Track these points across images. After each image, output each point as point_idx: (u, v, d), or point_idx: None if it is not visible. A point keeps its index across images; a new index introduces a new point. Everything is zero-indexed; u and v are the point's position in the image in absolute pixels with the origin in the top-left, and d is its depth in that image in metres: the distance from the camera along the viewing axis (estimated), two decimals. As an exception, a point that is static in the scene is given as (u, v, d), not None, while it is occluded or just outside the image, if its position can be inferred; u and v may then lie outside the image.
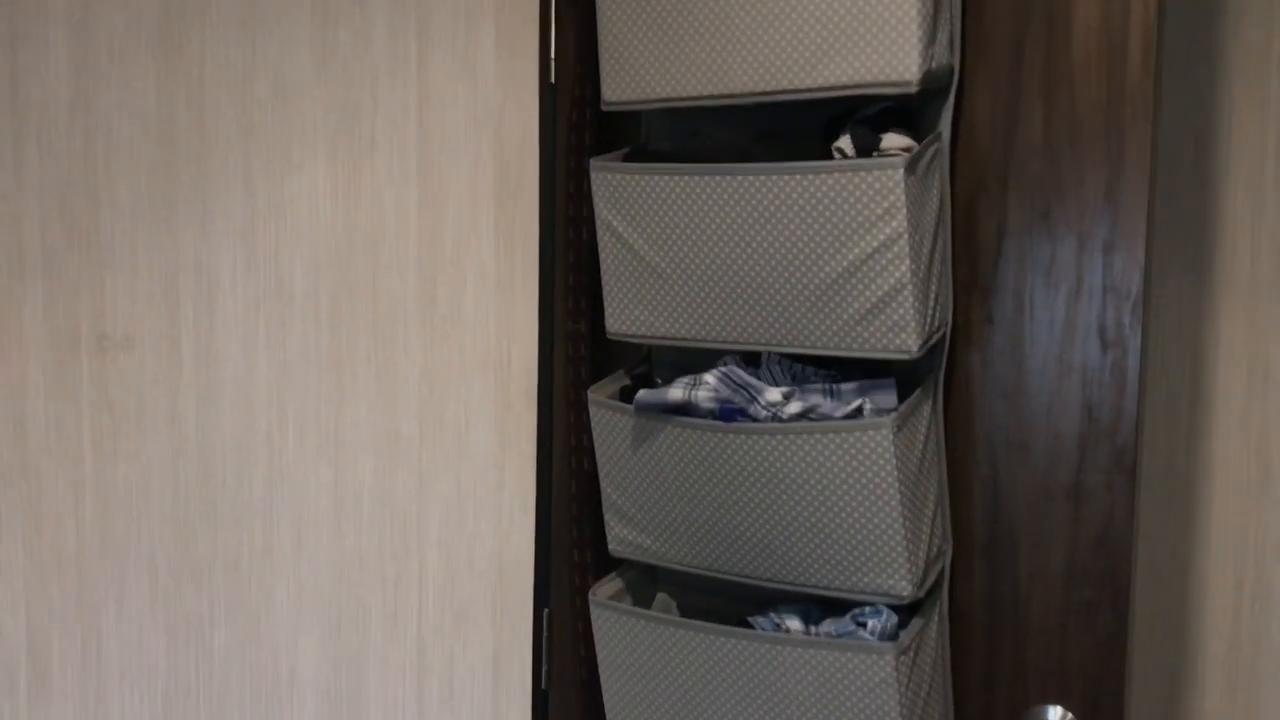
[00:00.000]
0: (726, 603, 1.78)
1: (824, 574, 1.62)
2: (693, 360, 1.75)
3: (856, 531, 1.58)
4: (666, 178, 1.64)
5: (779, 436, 1.58)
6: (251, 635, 2.11)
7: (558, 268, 1.90)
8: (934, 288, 1.60)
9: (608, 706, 1.79)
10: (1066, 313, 1.65)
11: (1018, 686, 1.71)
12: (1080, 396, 1.65)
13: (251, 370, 2.06)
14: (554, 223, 1.90)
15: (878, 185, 1.51)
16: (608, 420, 1.74)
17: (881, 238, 1.52)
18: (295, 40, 2.00)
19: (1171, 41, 1.88)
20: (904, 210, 1.51)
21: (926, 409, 1.65)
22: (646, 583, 1.88)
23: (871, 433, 1.54)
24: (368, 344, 2.03)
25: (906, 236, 1.51)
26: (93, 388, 2.11)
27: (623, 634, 1.75)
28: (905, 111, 1.63)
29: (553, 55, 1.88)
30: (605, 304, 1.75)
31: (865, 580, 1.60)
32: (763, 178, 1.57)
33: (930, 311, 1.58)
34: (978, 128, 1.67)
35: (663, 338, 1.71)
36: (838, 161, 1.58)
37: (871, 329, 1.55)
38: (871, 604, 1.63)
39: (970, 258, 1.69)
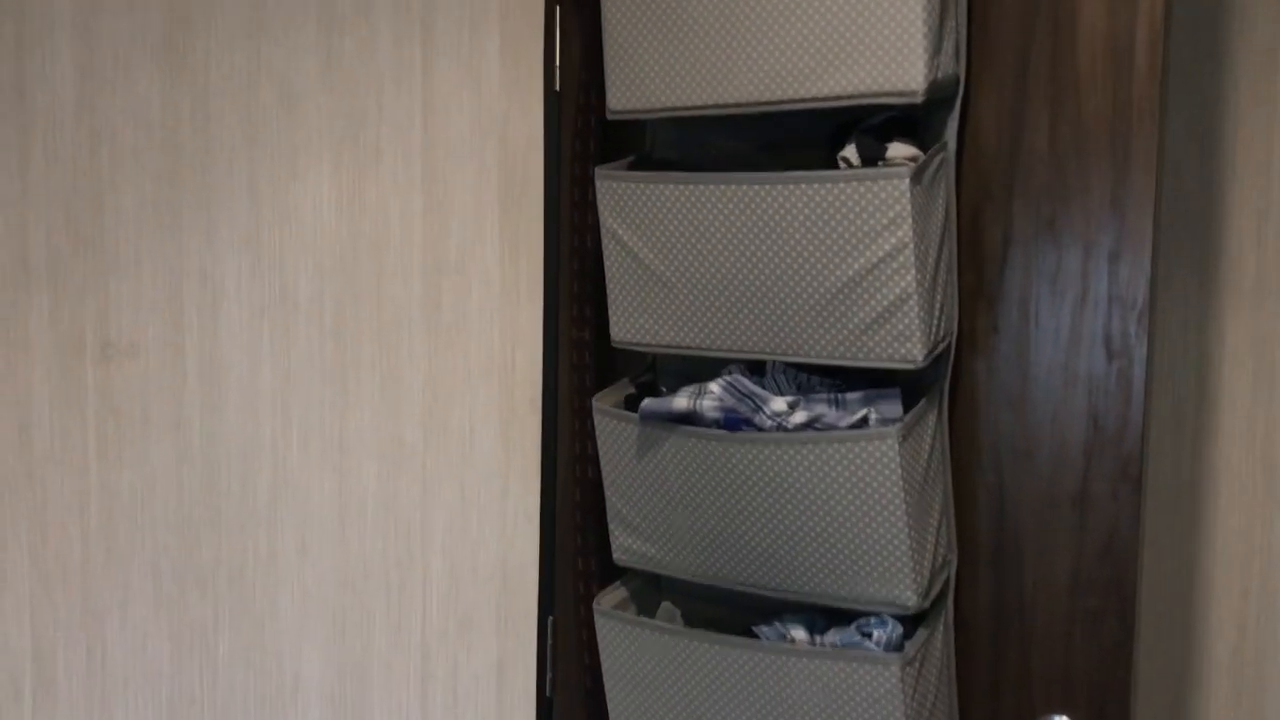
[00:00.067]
0: (731, 611, 1.78)
1: (829, 584, 1.62)
2: (697, 369, 1.75)
3: (861, 541, 1.57)
4: (671, 186, 1.64)
5: (784, 446, 1.58)
6: (256, 642, 2.11)
7: (562, 275, 1.90)
8: (939, 297, 1.59)
9: (612, 715, 1.79)
10: (1072, 321, 1.65)
11: (1023, 696, 1.71)
12: (1086, 405, 1.64)
13: (256, 377, 2.06)
14: (558, 230, 1.90)
15: (883, 195, 1.51)
16: (612, 429, 1.74)
17: (887, 247, 1.52)
18: (300, 48, 2.00)
19: (1177, 47, 1.88)
20: (909, 220, 1.50)
21: (932, 418, 1.64)
22: (651, 591, 1.88)
23: (877, 443, 1.54)
24: (372, 351, 2.03)
25: (912, 246, 1.51)
26: (97, 395, 2.11)
27: (627, 643, 1.75)
28: (910, 120, 1.63)
29: (557, 63, 1.88)
30: (610, 312, 1.74)
31: (870, 590, 1.59)
32: (768, 187, 1.57)
33: (935, 321, 1.58)
34: (983, 136, 1.67)
35: (667, 346, 1.70)
36: (843, 171, 1.58)
37: (877, 338, 1.55)
38: (877, 614, 1.63)
39: (976, 266, 1.68)
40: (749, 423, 1.62)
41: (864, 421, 1.60)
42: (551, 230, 1.90)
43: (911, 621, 1.64)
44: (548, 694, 1.97)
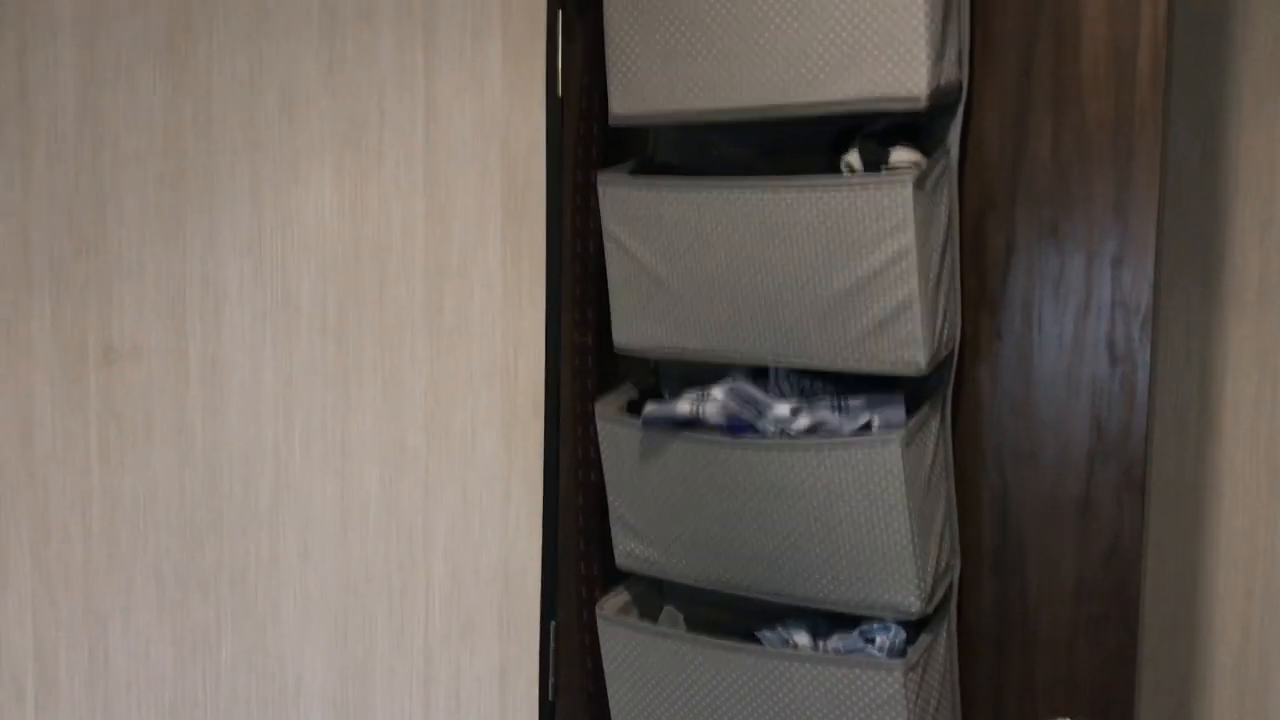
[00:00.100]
0: (734, 616, 1.78)
1: (832, 589, 1.62)
2: (700, 373, 1.75)
3: (865, 547, 1.57)
4: (674, 192, 1.64)
5: (787, 452, 1.58)
6: (258, 645, 2.11)
7: (565, 279, 1.90)
8: (942, 302, 1.59)
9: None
10: (1075, 327, 1.65)
11: (1026, 701, 1.71)
12: (1089, 411, 1.64)
13: (258, 381, 2.06)
14: (561, 235, 1.90)
15: (886, 201, 1.51)
16: (615, 434, 1.74)
17: (890, 253, 1.52)
18: (302, 53, 2.00)
19: (1180, 54, 1.88)
20: (912, 226, 1.50)
21: (935, 424, 1.64)
22: (653, 595, 1.88)
23: (880, 448, 1.54)
24: (374, 355, 2.03)
25: (915, 252, 1.51)
26: (100, 399, 2.11)
27: (630, 648, 1.75)
28: (913, 126, 1.63)
29: (560, 68, 1.88)
30: (613, 317, 1.74)
31: (873, 595, 1.59)
32: (770, 193, 1.57)
33: (939, 326, 1.58)
34: (986, 142, 1.66)
35: (670, 351, 1.70)
36: (846, 177, 1.58)
37: (880, 344, 1.55)
38: (880, 619, 1.63)
39: (979, 272, 1.68)
40: (752, 428, 1.62)
41: (867, 427, 1.60)
42: (554, 234, 1.90)
43: (915, 627, 1.64)
44: (550, 698, 1.97)
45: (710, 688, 1.69)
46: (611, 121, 1.72)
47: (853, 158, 1.60)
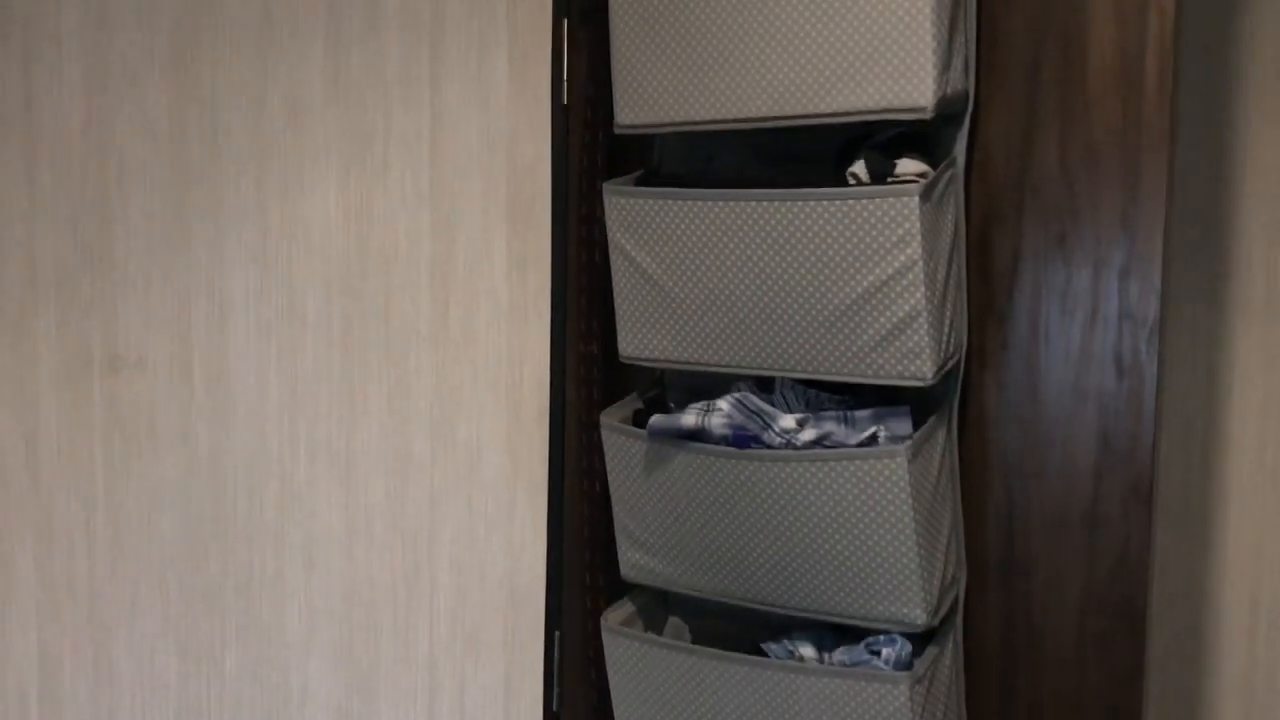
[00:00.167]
0: (739, 628, 1.77)
1: (838, 601, 1.61)
2: (705, 384, 1.74)
3: (870, 559, 1.57)
4: (680, 202, 1.64)
5: (793, 464, 1.57)
6: (263, 655, 2.11)
7: (570, 290, 1.90)
8: (949, 313, 1.59)
9: (619, 731, 1.79)
10: (1082, 339, 1.64)
11: (1033, 715, 1.70)
12: (1096, 423, 1.64)
13: (263, 391, 2.06)
14: (566, 245, 1.90)
15: (892, 212, 1.50)
16: (620, 444, 1.73)
17: (896, 265, 1.51)
18: (308, 63, 2.00)
19: (1187, 64, 1.88)
20: (919, 238, 1.50)
21: (941, 435, 1.64)
22: (658, 607, 1.87)
23: (886, 460, 1.53)
24: (379, 365, 2.03)
25: (921, 264, 1.50)
26: (105, 408, 2.11)
27: (635, 660, 1.74)
28: (920, 136, 1.62)
29: (565, 77, 1.88)
30: (618, 327, 1.74)
31: (879, 608, 1.59)
32: (776, 204, 1.56)
33: (945, 337, 1.57)
34: (993, 153, 1.66)
35: (675, 362, 1.70)
36: (852, 188, 1.57)
37: (886, 355, 1.55)
38: (885, 632, 1.62)
39: (985, 283, 1.68)
40: (758, 440, 1.62)
41: (873, 439, 1.59)
42: (559, 244, 1.90)
43: (921, 639, 1.63)
44: (554, 709, 1.96)
45: (715, 700, 1.68)
46: (617, 130, 1.72)
47: (859, 168, 1.59)
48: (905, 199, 1.50)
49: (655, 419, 1.67)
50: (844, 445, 1.59)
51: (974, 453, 1.70)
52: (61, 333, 2.11)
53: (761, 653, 1.70)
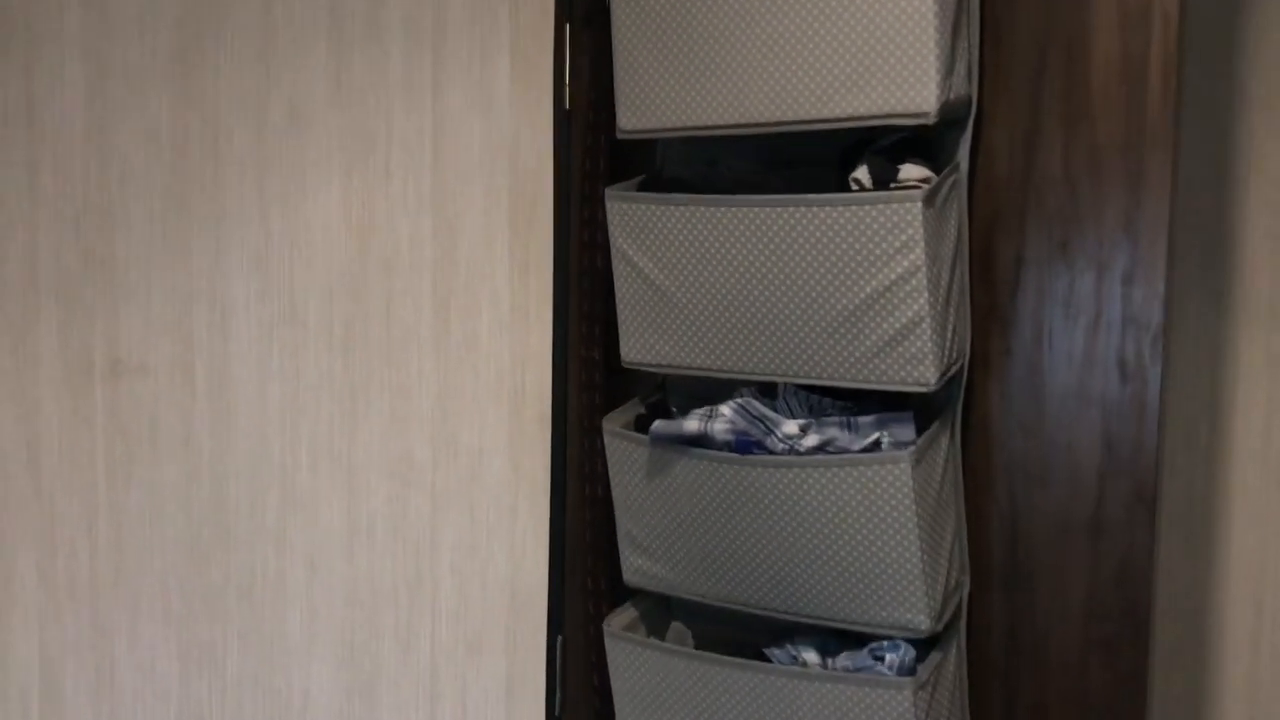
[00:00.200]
0: (742, 632, 1.77)
1: (841, 607, 1.61)
2: (708, 389, 1.74)
3: (874, 565, 1.57)
4: (682, 207, 1.64)
5: (796, 469, 1.57)
6: (265, 660, 2.10)
7: (572, 294, 1.90)
8: (952, 319, 1.59)
9: (622, 737, 1.79)
10: (1086, 344, 1.64)
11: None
12: (1100, 429, 1.63)
13: (265, 396, 2.06)
14: (568, 249, 1.90)
15: (895, 218, 1.50)
16: (623, 450, 1.73)
17: (899, 270, 1.51)
18: (310, 68, 1.99)
19: (1191, 70, 1.87)
20: (922, 243, 1.50)
21: (944, 441, 1.63)
22: (661, 611, 1.87)
23: (890, 466, 1.53)
24: (381, 370, 2.03)
25: (925, 269, 1.50)
26: (106, 413, 2.11)
27: (637, 665, 1.74)
28: (923, 141, 1.62)
29: (568, 82, 1.88)
30: (620, 332, 1.74)
31: (883, 614, 1.58)
32: (779, 209, 1.56)
33: (948, 343, 1.57)
34: (996, 158, 1.66)
35: (678, 367, 1.70)
36: (855, 194, 1.57)
37: (889, 361, 1.54)
38: (889, 637, 1.62)
39: (988, 288, 1.68)
40: (761, 445, 1.62)
41: (877, 445, 1.59)
42: (561, 249, 1.89)
43: (924, 645, 1.63)
44: (557, 714, 1.96)
45: (718, 705, 1.68)
46: (619, 135, 1.72)
47: (862, 174, 1.59)
48: (908, 205, 1.50)
49: (658, 424, 1.67)
50: (847, 451, 1.59)
51: (977, 458, 1.69)
52: (63, 337, 2.11)
53: (764, 658, 1.69)
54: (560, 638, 1.95)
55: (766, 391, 1.70)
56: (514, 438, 1.99)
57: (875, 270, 1.52)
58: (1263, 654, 1.94)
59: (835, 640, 1.69)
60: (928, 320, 1.51)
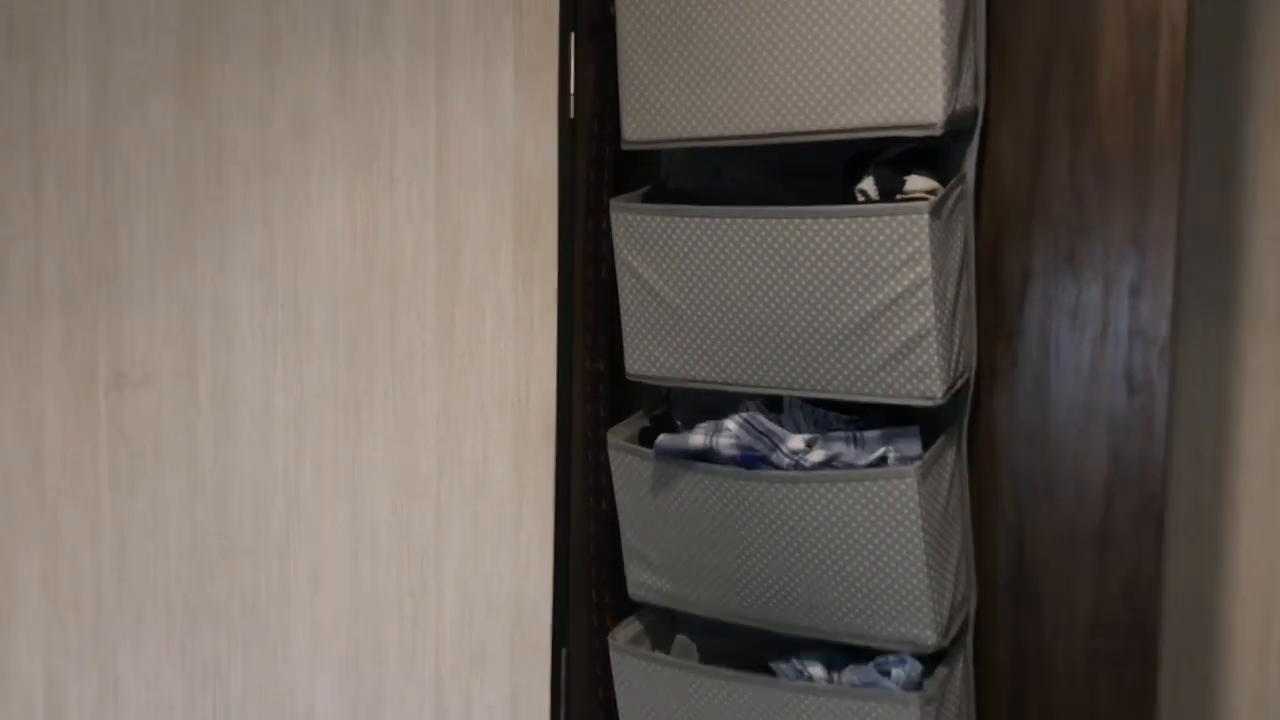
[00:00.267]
0: (747, 647, 1.76)
1: (847, 622, 1.60)
2: (713, 401, 1.73)
3: (880, 580, 1.56)
4: (687, 219, 1.63)
5: (801, 485, 1.56)
6: (269, 674, 2.10)
7: (576, 305, 1.89)
8: (958, 331, 1.58)
9: (627, 751, 1.78)
10: (1092, 356, 1.63)
11: (1044, 734, 1.69)
12: (1107, 442, 1.62)
13: (269, 407, 2.05)
14: (573, 260, 1.89)
15: (902, 230, 1.49)
16: (627, 463, 1.72)
17: (905, 283, 1.50)
18: (314, 77, 1.99)
19: (1198, 79, 1.86)
20: (928, 256, 1.49)
21: (951, 455, 1.62)
22: (666, 625, 1.86)
23: (896, 481, 1.52)
24: (385, 381, 2.02)
25: (931, 282, 1.49)
26: (110, 425, 2.10)
27: (642, 678, 1.73)
28: (929, 152, 1.61)
29: (572, 92, 1.87)
30: (625, 344, 1.73)
31: (889, 628, 1.57)
32: (784, 221, 1.55)
33: (954, 356, 1.56)
34: (1003, 169, 1.65)
35: (683, 379, 1.69)
36: (861, 206, 1.56)
37: (895, 374, 1.53)
38: (895, 652, 1.61)
39: (995, 300, 1.67)
40: (766, 460, 1.61)
41: (882, 460, 1.58)
42: (566, 259, 1.89)
43: (931, 660, 1.62)
44: (562, 727, 1.96)
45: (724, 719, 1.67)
46: (624, 145, 1.71)
47: (868, 185, 1.58)
48: (915, 217, 1.49)
49: (662, 439, 1.66)
50: (853, 466, 1.58)
51: (984, 471, 1.69)
52: (67, 348, 2.10)
53: (770, 672, 1.69)
54: (565, 651, 1.94)
55: (772, 404, 1.70)
56: (518, 448, 1.98)
57: (881, 283, 1.51)
58: (1271, 666, 1.93)
59: (841, 655, 1.68)
60: (934, 333, 1.50)
